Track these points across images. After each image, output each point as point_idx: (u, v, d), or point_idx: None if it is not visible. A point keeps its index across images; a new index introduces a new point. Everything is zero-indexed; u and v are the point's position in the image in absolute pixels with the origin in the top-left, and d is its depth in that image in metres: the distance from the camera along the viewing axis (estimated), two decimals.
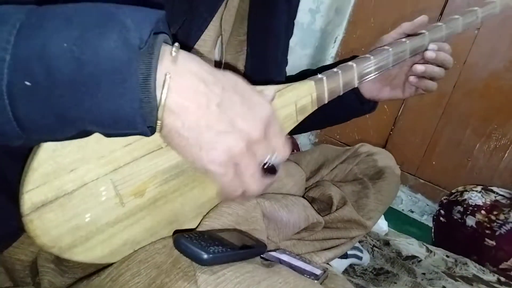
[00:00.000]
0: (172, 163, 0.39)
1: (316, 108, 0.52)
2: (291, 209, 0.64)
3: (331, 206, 0.70)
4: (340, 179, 0.80)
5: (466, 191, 1.36)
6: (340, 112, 0.73)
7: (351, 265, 0.89)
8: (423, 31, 0.62)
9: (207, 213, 0.46)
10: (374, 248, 1.02)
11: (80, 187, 0.34)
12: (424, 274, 0.97)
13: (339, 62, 0.63)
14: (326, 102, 0.53)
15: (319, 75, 0.52)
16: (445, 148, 1.61)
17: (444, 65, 0.63)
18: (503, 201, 1.29)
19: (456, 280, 1.02)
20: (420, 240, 1.25)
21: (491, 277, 1.12)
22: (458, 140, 1.58)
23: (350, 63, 0.56)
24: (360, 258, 0.89)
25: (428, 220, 1.57)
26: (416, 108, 1.66)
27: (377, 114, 1.51)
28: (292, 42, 0.77)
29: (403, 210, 1.68)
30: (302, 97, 0.49)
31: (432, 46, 0.62)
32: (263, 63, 0.58)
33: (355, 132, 1.77)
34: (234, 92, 0.33)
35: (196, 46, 0.48)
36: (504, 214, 1.25)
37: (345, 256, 0.84)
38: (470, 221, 1.27)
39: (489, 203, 1.29)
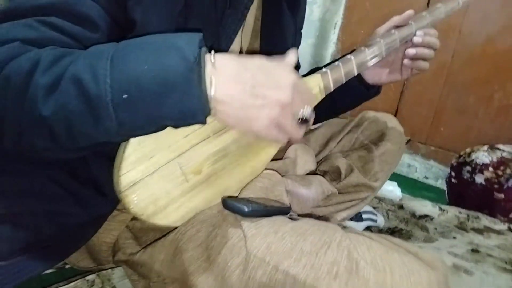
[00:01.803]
0: (219, 147, 0.53)
1: (324, 95, 0.63)
2: (309, 187, 0.77)
3: (340, 175, 0.83)
4: (348, 148, 0.90)
5: (474, 151, 1.44)
6: (349, 99, 0.84)
7: (367, 228, 1.01)
8: (410, 21, 0.73)
9: (245, 186, 0.59)
10: (389, 211, 1.14)
11: (158, 169, 0.47)
12: (436, 229, 1.08)
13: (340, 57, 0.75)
14: (332, 90, 0.63)
15: (324, 69, 0.62)
16: (451, 114, 1.70)
17: (431, 47, 0.74)
18: (509, 157, 1.37)
19: (467, 232, 1.13)
20: (440, 202, 1.35)
21: (502, 226, 1.21)
22: (463, 106, 1.67)
23: (348, 56, 0.66)
24: (375, 221, 1.01)
25: (442, 184, 1.66)
26: (419, 80, 1.74)
27: (383, 91, 1.60)
28: None
29: (418, 178, 1.77)
30: (312, 88, 0.60)
31: (419, 32, 0.72)
32: None
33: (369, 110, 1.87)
34: (260, 72, 0.44)
35: None
36: (510, 168, 1.34)
37: (360, 219, 0.97)
38: (479, 178, 1.36)
39: (495, 160, 1.37)
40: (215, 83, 0.41)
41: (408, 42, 0.73)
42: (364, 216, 0.98)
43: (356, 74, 0.67)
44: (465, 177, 1.40)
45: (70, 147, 0.43)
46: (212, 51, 0.43)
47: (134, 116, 0.40)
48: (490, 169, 1.36)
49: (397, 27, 0.73)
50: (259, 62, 0.46)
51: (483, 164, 1.38)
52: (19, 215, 0.51)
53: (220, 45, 0.58)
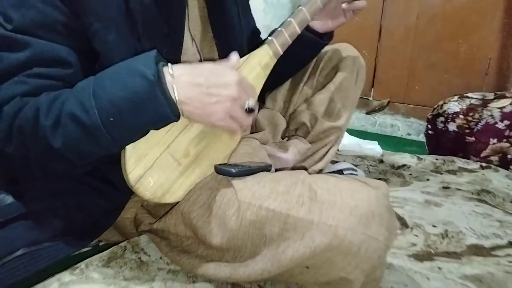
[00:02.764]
0: (197, 132, 0.65)
1: (276, 59, 0.72)
2: (286, 150, 0.90)
3: (308, 128, 0.92)
4: (311, 94, 0.95)
5: (445, 103, 1.57)
6: (309, 50, 0.90)
7: None
8: None
9: (230, 154, 0.72)
10: (370, 166, 1.28)
11: (155, 162, 0.60)
12: (411, 174, 1.23)
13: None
14: (281, 53, 0.71)
15: (269, 38, 0.72)
16: (423, 72, 1.82)
17: None
18: (477, 103, 1.50)
19: (441, 174, 1.27)
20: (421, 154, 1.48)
21: (474, 166, 1.35)
22: (433, 63, 1.79)
23: (288, 19, 0.74)
24: (356, 175, 1.15)
25: (424, 138, 1.80)
26: (390, 45, 1.87)
27: None
28: (268, 19, 0.94)
29: (401, 135, 1.91)
30: (262, 58, 0.70)
31: None
32: (229, 47, 0.72)
33: None
34: (211, 75, 0.57)
35: (182, 54, 0.70)
36: (478, 113, 1.46)
37: (341, 173, 1.11)
38: (452, 126, 1.49)
39: (465, 107, 1.50)
40: (176, 89, 0.54)
41: None
42: (345, 172, 1.12)
43: (299, 33, 0.73)
44: (439, 127, 1.54)
45: (82, 165, 0.57)
46: (169, 64, 0.55)
47: (122, 131, 0.53)
48: (461, 116, 1.49)
49: None
50: (209, 67, 0.58)
51: (454, 113, 1.51)
52: (58, 209, 0.65)
53: (174, 43, 0.67)
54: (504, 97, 1.47)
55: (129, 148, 0.58)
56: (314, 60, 0.96)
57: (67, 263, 0.69)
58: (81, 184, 0.66)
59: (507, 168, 1.36)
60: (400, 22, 1.82)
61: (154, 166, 0.61)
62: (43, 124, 0.52)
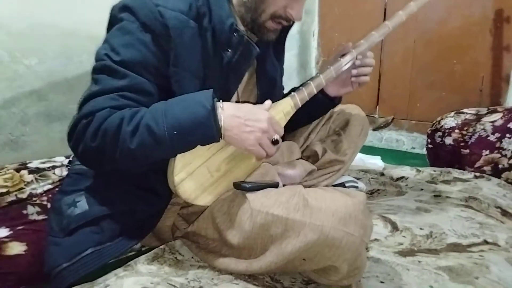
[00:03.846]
0: (229, 153, 0.84)
1: (295, 110, 0.91)
2: (294, 168, 1.09)
3: (318, 156, 1.14)
4: (325, 136, 1.20)
5: (442, 119, 1.71)
6: (320, 109, 1.12)
7: None
8: (351, 49, 0.98)
9: (249, 175, 0.90)
10: (371, 179, 1.44)
11: (195, 170, 0.79)
12: (407, 185, 1.38)
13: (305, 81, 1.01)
14: (300, 106, 0.91)
15: (292, 93, 0.92)
16: (423, 91, 1.98)
17: (368, 65, 1.01)
18: (471, 118, 1.64)
19: (436, 184, 1.42)
20: (423, 166, 1.62)
21: (468, 176, 1.49)
22: (431, 82, 1.95)
23: (308, 81, 0.96)
24: (356, 187, 1.31)
25: None
26: (391, 67, 2.04)
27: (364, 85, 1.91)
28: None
29: (406, 149, 2.06)
30: (285, 107, 0.89)
31: (359, 57, 0.99)
32: (270, 96, 0.92)
33: (352, 101, 2.17)
34: (249, 112, 0.77)
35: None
36: (472, 127, 1.60)
37: (344, 187, 1.27)
38: (448, 140, 1.64)
39: (460, 122, 1.64)
40: (223, 119, 0.74)
41: (353, 64, 0.99)
42: (347, 184, 1.28)
43: (316, 93, 0.94)
44: (437, 141, 1.68)
45: (145, 163, 0.77)
46: (220, 101, 0.76)
47: (180, 143, 0.73)
48: (456, 130, 1.63)
49: (343, 55, 0.98)
50: (248, 106, 0.80)
51: (450, 127, 1.65)
52: (114, 215, 0.85)
53: (225, 92, 0.88)
54: (495, 111, 1.61)
55: (178, 156, 0.78)
56: (329, 113, 1.18)
57: (120, 263, 0.88)
58: (131, 193, 0.86)
59: (499, 177, 1.49)
60: (399, 46, 1.99)
61: (193, 174, 0.81)
62: (125, 129, 0.71)
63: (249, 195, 0.81)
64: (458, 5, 1.82)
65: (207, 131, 0.73)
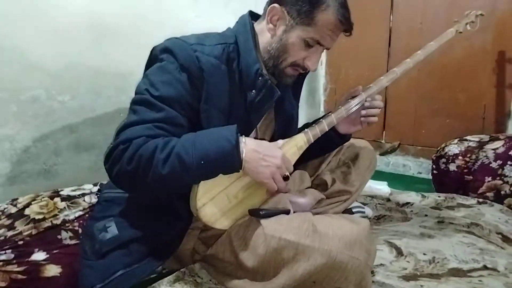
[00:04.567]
0: (246, 182, 0.92)
1: (308, 146, 1.00)
2: (304, 196, 1.17)
3: (327, 186, 1.22)
4: (335, 167, 1.29)
5: (446, 145, 1.78)
6: (331, 145, 1.22)
7: None
8: (361, 92, 1.08)
9: (263, 203, 0.99)
10: (378, 205, 1.50)
11: (215, 196, 0.87)
12: (412, 211, 1.44)
13: (317, 119, 1.11)
14: (312, 142, 1.00)
15: (305, 130, 1.01)
16: (428, 118, 2.06)
17: (377, 107, 1.10)
18: (474, 145, 1.70)
19: (441, 210, 1.48)
20: (429, 192, 1.69)
21: (472, 201, 1.55)
22: (435, 109, 2.03)
23: (321, 119, 1.05)
24: (363, 212, 1.38)
25: None
26: (397, 95, 2.13)
27: None
28: None
29: (413, 174, 2.12)
30: (298, 142, 0.98)
31: (368, 99, 1.09)
32: (286, 133, 1.03)
33: None
34: (266, 149, 0.86)
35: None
36: (475, 154, 1.67)
37: (351, 213, 1.34)
38: (452, 166, 1.70)
39: (463, 149, 1.71)
40: (244, 152, 0.84)
41: (362, 105, 1.09)
42: (354, 210, 1.35)
43: (327, 130, 1.03)
44: (442, 167, 1.75)
45: (172, 188, 0.86)
46: (243, 135, 0.86)
47: (206, 171, 0.82)
48: (460, 157, 1.70)
49: (354, 96, 1.08)
50: (267, 143, 0.90)
51: (454, 154, 1.72)
52: (141, 238, 0.93)
53: (246, 128, 0.97)
54: (497, 139, 1.68)
55: (201, 183, 0.86)
56: (340, 147, 1.26)
57: (145, 284, 0.96)
58: (156, 218, 0.95)
59: (501, 203, 1.55)
60: (403, 75, 2.08)
61: (214, 199, 0.89)
62: (158, 157, 0.80)
63: (263, 221, 0.89)
64: (460, 35, 1.91)
65: (230, 163, 0.83)
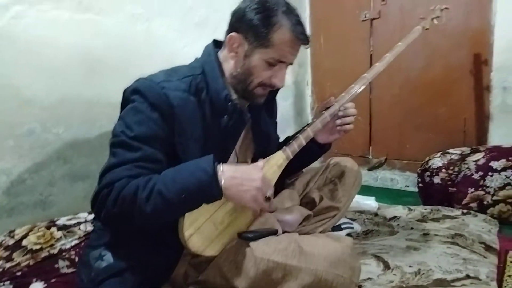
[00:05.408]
0: (231, 207, 0.96)
1: (288, 161, 1.06)
2: (291, 213, 1.21)
3: (315, 203, 1.27)
4: (322, 184, 1.34)
5: (430, 159, 1.85)
6: (313, 155, 1.26)
7: (347, 234, 1.42)
8: (334, 102, 1.14)
9: (250, 224, 1.03)
10: (366, 220, 1.55)
11: (201, 225, 0.91)
12: (398, 225, 1.49)
13: (296, 132, 1.16)
14: (291, 157, 1.06)
15: (284, 147, 1.06)
16: (411, 132, 2.14)
17: (350, 115, 1.16)
18: (456, 158, 1.77)
19: (426, 222, 1.53)
20: (416, 204, 1.75)
21: (457, 212, 1.61)
22: (418, 124, 2.11)
23: (298, 135, 1.10)
24: (352, 228, 1.43)
25: None
26: (381, 112, 2.21)
27: (358, 127, 2.06)
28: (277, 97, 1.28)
29: (400, 188, 2.18)
30: (278, 160, 1.04)
31: (341, 108, 1.15)
32: (265, 155, 1.08)
33: (349, 143, 2.32)
34: (245, 173, 0.89)
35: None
36: (457, 167, 1.73)
37: (340, 229, 1.39)
38: (437, 179, 1.76)
39: (446, 162, 1.78)
40: (223, 181, 0.87)
41: (336, 114, 1.16)
42: (342, 226, 1.40)
43: (305, 144, 1.08)
44: (426, 180, 1.81)
45: (159, 223, 0.90)
46: (220, 164, 0.89)
47: (188, 203, 0.86)
48: (443, 170, 1.76)
49: (327, 108, 1.14)
50: (244, 167, 0.93)
51: (437, 167, 1.78)
52: (134, 267, 0.96)
53: (224, 154, 1.02)
54: (478, 151, 1.75)
55: (186, 214, 0.90)
56: (325, 164, 1.33)
57: None
58: (149, 247, 0.97)
59: (484, 213, 1.61)
60: (386, 93, 2.17)
61: (200, 229, 0.92)
62: (140, 197, 0.83)
63: (252, 244, 0.94)
64: (437, 54, 2.01)
65: (210, 192, 0.86)
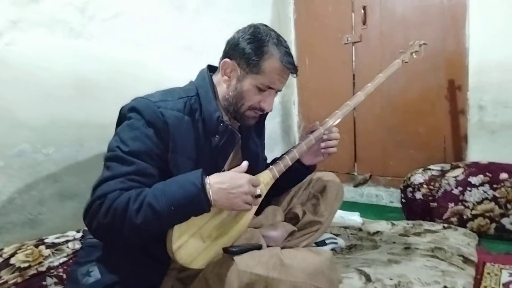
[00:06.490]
0: (219, 221, 0.99)
1: (274, 180, 1.12)
2: (276, 229, 1.25)
3: (299, 218, 1.31)
4: (305, 199, 1.38)
5: (412, 175, 1.91)
6: (298, 176, 1.32)
7: (332, 249, 1.46)
8: (319, 126, 1.22)
9: (236, 240, 1.06)
10: (350, 235, 1.59)
11: (189, 239, 0.93)
12: (381, 239, 1.54)
13: (283, 154, 1.21)
14: (278, 176, 1.12)
15: (271, 166, 1.12)
16: (394, 150, 2.20)
17: (334, 139, 1.22)
18: (436, 174, 1.84)
19: (408, 236, 1.58)
20: (400, 219, 1.80)
21: (438, 227, 1.66)
22: (400, 142, 2.18)
23: (284, 155, 1.16)
24: (336, 243, 1.46)
25: None
26: (364, 131, 2.28)
27: (343, 145, 2.13)
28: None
29: (385, 203, 2.23)
30: (265, 178, 1.09)
31: (326, 132, 1.21)
32: (254, 170, 1.11)
33: (335, 161, 2.37)
34: (231, 180, 0.93)
35: None
36: (438, 182, 1.80)
37: (324, 244, 1.43)
38: (418, 195, 1.82)
39: (427, 178, 1.83)
40: (211, 192, 0.91)
41: (321, 138, 1.21)
42: (327, 241, 1.44)
43: (291, 165, 1.13)
44: (409, 196, 1.86)
45: (148, 236, 0.93)
46: (208, 177, 0.93)
47: (177, 216, 0.90)
48: (425, 186, 1.82)
49: (312, 131, 1.20)
50: (230, 174, 0.96)
51: (419, 183, 1.84)
52: (123, 281, 0.98)
53: (214, 169, 1.05)
54: (457, 167, 1.82)
55: (175, 227, 0.93)
56: (308, 180, 1.37)
57: None
58: (136, 262, 1.00)
59: (464, 226, 1.66)
60: (369, 113, 2.25)
61: (188, 241, 0.95)
62: (131, 208, 0.87)
63: (236, 258, 0.97)
64: (416, 76, 2.10)
65: (199, 205, 0.90)
